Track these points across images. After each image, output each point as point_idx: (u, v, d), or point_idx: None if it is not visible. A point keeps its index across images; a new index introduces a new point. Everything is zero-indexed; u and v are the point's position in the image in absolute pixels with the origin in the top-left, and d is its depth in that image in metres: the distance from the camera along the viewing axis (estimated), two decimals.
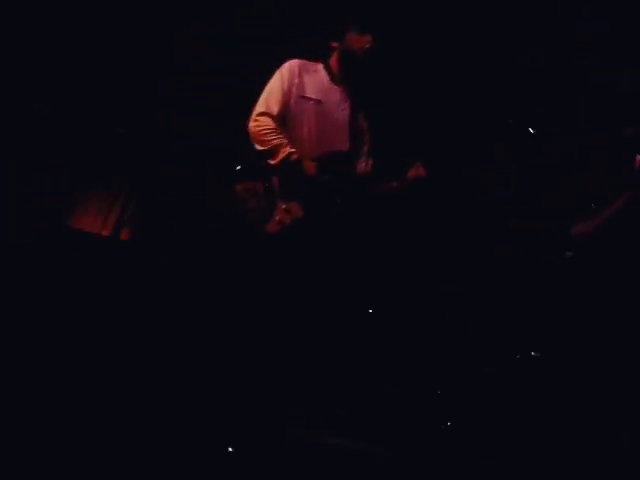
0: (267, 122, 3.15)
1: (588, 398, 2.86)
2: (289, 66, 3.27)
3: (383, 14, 3.57)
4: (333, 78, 3.35)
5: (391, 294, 3.83)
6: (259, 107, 3.20)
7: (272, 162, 3.12)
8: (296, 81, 3.24)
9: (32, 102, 3.79)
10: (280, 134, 3.13)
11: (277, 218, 3.08)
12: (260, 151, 3.14)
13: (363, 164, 3.36)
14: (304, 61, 3.33)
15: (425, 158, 3.34)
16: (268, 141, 3.12)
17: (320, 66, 3.37)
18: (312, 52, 3.38)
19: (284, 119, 3.21)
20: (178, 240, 3.49)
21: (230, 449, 2.61)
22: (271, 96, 3.21)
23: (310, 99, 3.24)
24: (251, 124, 3.18)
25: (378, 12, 3.57)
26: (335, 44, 3.35)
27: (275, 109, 3.18)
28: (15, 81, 3.78)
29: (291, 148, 3.11)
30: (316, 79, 3.31)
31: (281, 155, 3.10)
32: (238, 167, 3.14)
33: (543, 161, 3.92)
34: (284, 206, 3.09)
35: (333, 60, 3.38)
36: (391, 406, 2.97)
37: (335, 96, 3.33)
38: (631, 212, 3.21)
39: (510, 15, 4.10)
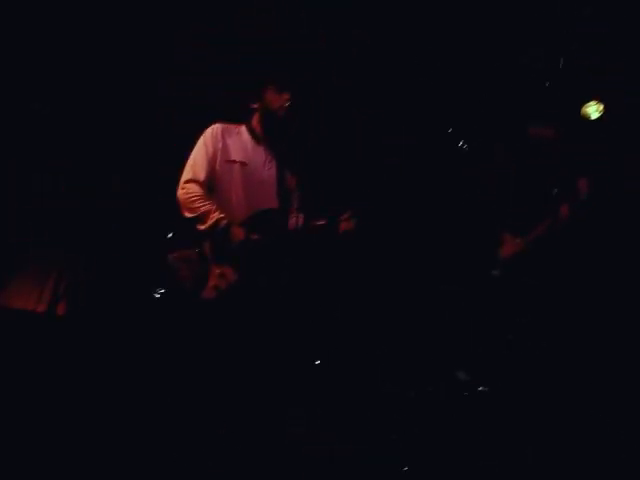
0: (194, 189, 3.19)
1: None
2: (212, 131, 3.32)
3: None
4: (256, 138, 3.41)
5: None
6: (185, 175, 3.24)
7: (202, 228, 3.15)
8: (220, 145, 3.29)
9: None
10: (208, 200, 3.17)
11: (212, 284, 3.10)
12: (189, 218, 3.17)
13: (294, 220, 3.41)
14: (226, 124, 3.38)
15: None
16: (196, 208, 3.16)
17: (243, 128, 3.43)
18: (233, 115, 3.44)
19: (211, 184, 3.25)
20: (116, 312, 3.47)
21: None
22: (196, 163, 3.25)
23: (235, 162, 3.29)
24: (179, 192, 3.22)
25: (298, 66, 3.64)
26: (255, 105, 3.42)
27: (201, 176, 3.22)
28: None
29: (220, 214, 3.15)
30: (240, 141, 3.37)
31: (210, 221, 3.13)
32: (170, 235, 3.14)
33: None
34: (218, 271, 3.12)
35: (255, 121, 3.44)
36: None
37: (260, 156, 3.38)
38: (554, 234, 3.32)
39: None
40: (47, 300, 3.45)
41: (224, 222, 3.15)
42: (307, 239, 3.36)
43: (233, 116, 3.42)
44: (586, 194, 3.37)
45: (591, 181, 3.42)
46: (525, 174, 3.77)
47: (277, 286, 3.23)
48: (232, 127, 3.40)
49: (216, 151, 3.28)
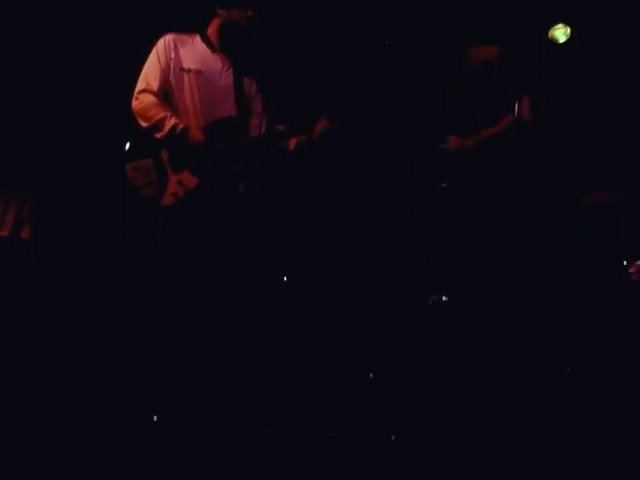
0: (149, 99, 3.16)
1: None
2: (164, 41, 3.26)
3: None
4: (212, 47, 3.35)
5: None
6: (139, 86, 3.20)
7: (159, 136, 3.11)
8: (173, 55, 3.24)
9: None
10: (162, 108, 3.14)
11: (171, 191, 3.08)
12: (146, 127, 3.14)
13: (256, 125, 3.36)
14: (179, 34, 3.32)
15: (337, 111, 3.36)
16: (152, 116, 3.12)
17: (197, 37, 3.36)
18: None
19: (166, 95, 3.21)
20: (81, 230, 3.45)
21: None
22: (149, 74, 3.21)
23: (190, 70, 3.24)
24: (134, 103, 3.19)
25: None
26: (220, 12, 3.33)
27: (155, 85, 3.18)
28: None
29: (176, 120, 3.11)
30: (194, 50, 3.31)
31: (167, 127, 3.10)
32: (127, 146, 3.11)
33: None
34: (176, 178, 3.10)
35: (211, 30, 3.38)
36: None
37: (216, 64, 3.33)
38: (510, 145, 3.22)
39: None
40: (10, 224, 3.41)
41: (181, 126, 3.11)
42: (268, 145, 3.32)
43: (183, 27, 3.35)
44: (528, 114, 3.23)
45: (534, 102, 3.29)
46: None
47: (236, 193, 3.21)
48: (185, 37, 3.34)
49: (169, 60, 3.22)
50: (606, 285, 3.36)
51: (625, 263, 3.41)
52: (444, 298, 3.44)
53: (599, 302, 3.31)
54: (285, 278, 3.55)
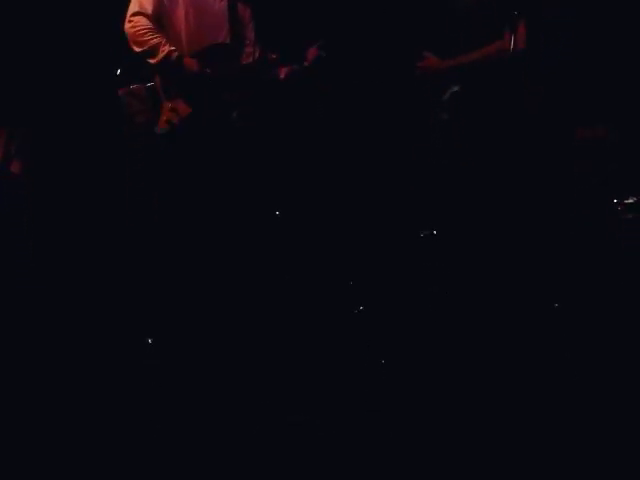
0: (143, 22, 3.07)
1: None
2: None
3: None
4: None
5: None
6: (132, 7, 3.11)
7: (152, 61, 3.06)
8: None
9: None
10: (157, 33, 3.07)
11: (164, 118, 3.06)
12: (138, 52, 3.08)
13: (249, 52, 3.32)
14: None
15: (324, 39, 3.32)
16: (146, 41, 3.06)
17: None
18: None
19: (160, 19, 3.13)
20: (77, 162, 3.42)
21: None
22: None
23: None
24: (127, 25, 3.10)
25: None
26: None
27: (149, 8, 3.10)
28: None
29: (170, 47, 3.06)
30: None
31: (160, 54, 3.05)
32: (118, 71, 3.06)
33: None
34: (170, 105, 3.07)
35: None
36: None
37: None
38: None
39: None
40: None
41: (175, 54, 3.06)
42: (260, 72, 3.29)
43: None
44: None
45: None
46: None
47: (229, 123, 3.19)
48: None
49: None
50: (594, 219, 3.38)
51: (615, 200, 3.43)
52: (434, 232, 3.48)
53: (587, 236, 3.33)
54: (277, 212, 3.55)
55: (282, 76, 3.36)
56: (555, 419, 2.30)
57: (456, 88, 3.35)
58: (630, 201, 3.35)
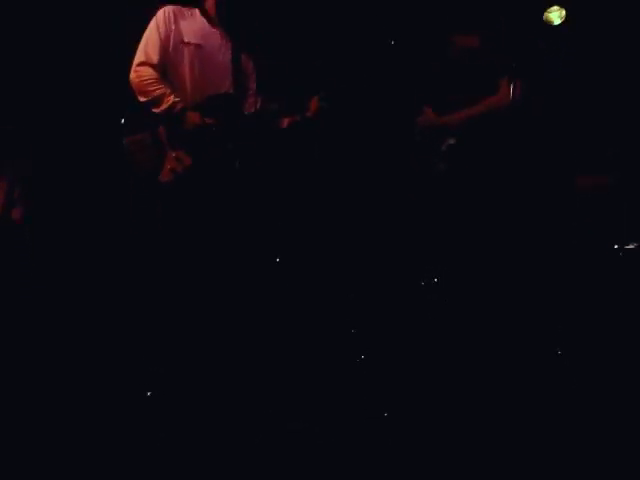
0: (148, 72, 3.12)
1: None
2: (164, 13, 3.21)
3: None
4: (211, 22, 3.31)
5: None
6: (138, 57, 3.15)
7: (156, 111, 3.08)
8: (173, 27, 3.19)
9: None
10: (162, 83, 3.10)
11: (169, 167, 3.06)
12: (143, 102, 3.11)
13: (252, 102, 3.36)
14: (179, 7, 3.27)
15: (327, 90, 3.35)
16: (151, 91, 3.09)
17: (196, 11, 3.32)
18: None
19: (165, 68, 3.17)
20: (78, 209, 3.42)
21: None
22: (149, 45, 3.16)
23: (190, 44, 3.20)
24: (132, 75, 3.14)
25: None
26: None
27: (155, 58, 3.14)
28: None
29: (175, 97, 3.09)
30: (194, 24, 3.27)
31: (164, 105, 3.08)
32: (122, 120, 3.07)
33: None
34: (174, 154, 3.07)
35: (209, 4, 3.33)
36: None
37: (215, 39, 3.29)
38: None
39: None
40: (1, 205, 3.35)
41: (180, 105, 3.10)
42: (263, 123, 3.31)
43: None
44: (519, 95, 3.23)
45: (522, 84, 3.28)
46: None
47: (232, 171, 3.20)
48: (185, 10, 3.29)
49: (169, 33, 3.17)
50: (598, 266, 3.41)
51: (616, 247, 3.46)
52: (435, 280, 3.48)
53: (590, 283, 3.35)
54: (278, 259, 3.55)
55: (284, 126, 3.40)
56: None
57: (452, 141, 3.40)
58: (631, 247, 3.40)
